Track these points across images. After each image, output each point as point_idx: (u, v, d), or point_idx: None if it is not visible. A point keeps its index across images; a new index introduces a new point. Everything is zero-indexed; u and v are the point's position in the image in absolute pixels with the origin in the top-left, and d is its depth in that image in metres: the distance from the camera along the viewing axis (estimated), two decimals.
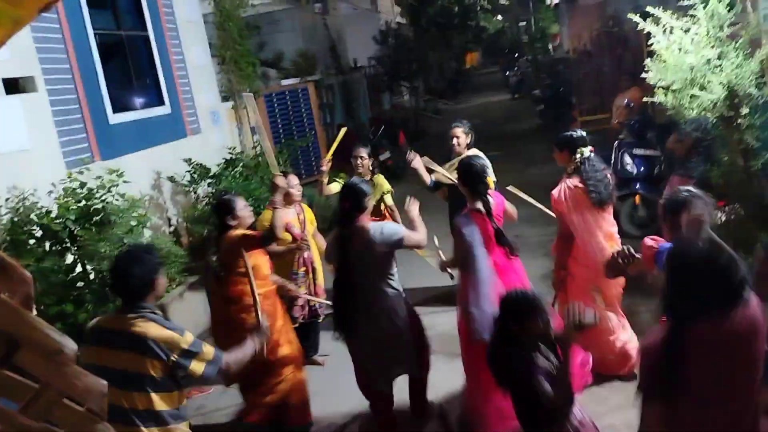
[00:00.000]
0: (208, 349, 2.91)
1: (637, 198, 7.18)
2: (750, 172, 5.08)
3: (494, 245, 4.05)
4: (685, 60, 4.77)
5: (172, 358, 2.78)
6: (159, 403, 2.80)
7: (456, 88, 34.11)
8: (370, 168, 6.06)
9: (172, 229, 7.31)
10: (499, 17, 46.22)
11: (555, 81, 17.65)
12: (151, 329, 2.79)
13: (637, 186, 7.15)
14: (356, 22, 21.83)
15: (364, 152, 6.11)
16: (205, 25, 9.30)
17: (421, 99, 24.65)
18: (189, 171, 7.32)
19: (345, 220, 4.01)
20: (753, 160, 5.01)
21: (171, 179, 7.23)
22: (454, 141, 5.82)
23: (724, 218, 5.52)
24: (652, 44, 4.96)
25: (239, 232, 4.19)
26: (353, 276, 3.90)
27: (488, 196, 4.14)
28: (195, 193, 7.43)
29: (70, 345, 1.31)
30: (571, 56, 14.33)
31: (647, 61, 5.07)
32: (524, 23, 35.56)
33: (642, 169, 7.22)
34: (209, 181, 7.35)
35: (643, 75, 5.15)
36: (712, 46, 4.73)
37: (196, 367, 2.85)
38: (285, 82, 12.95)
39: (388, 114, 19.75)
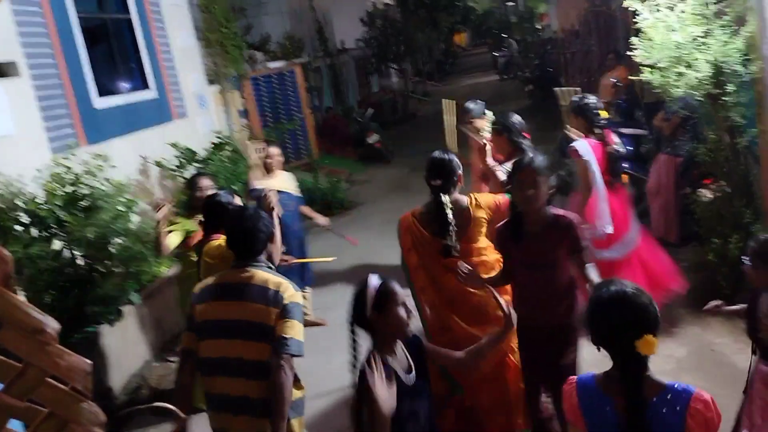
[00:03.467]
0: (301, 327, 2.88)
1: (625, 177, 7.19)
2: (736, 150, 5.11)
3: None
4: (672, 38, 4.77)
5: (284, 302, 2.82)
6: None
7: (445, 69, 33.97)
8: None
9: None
10: None
11: (543, 61, 17.62)
12: (273, 279, 2.89)
13: (626, 165, 7.15)
14: (343, 4, 21.66)
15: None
16: (190, 8, 9.21)
17: (409, 81, 24.54)
18: (176, 155, 7.28)
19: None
20: (739, 137, 5.04)
21: (158, 164, 7.19)
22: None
23: (711, 195, 5.56)
24: (638, 22, 4.96)
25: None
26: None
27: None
28: (183, 177, 7.39)
29: (52, 324, 1.31)
30: (559, 36, 14.30)
31: (634, 39, 5.07)
32: (512, 3, 35.36)
33: (629, 147, 7.23)
34: (197, 165, 7.31)
35: (630, 53, 5.15)
36: (698, 24, 4.73)
37: (297, 327, 2.81)
38: (272, 65, 12.85)
39: (377, 96, 19.67)
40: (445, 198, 3.58)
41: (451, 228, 3.52)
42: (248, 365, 2.81)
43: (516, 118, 4.67)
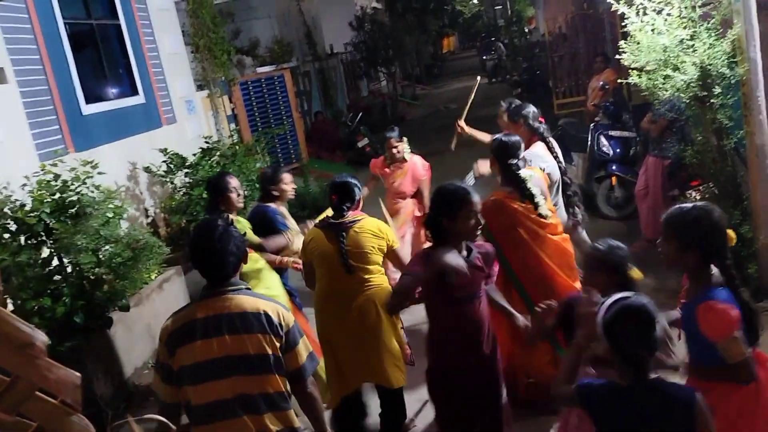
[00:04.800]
0: (306, 342, 2.70)
1: (614, 179, 7.24)
2: (723, 151, 5.14)
3: None
4: (659, 41, 4.79)
5: (285, 330, 2.57)
6: (282, 383, 2.60)
7: (433, 73, 34.04)
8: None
9: (149, 220, 7.26)
10: (475, 1, 46.13)
11: (532, 64, 17.69)
12: (261, 304, 2.58)
13: (614, 167, 7.21)
14: (332, 8, 21.66)
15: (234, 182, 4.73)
16: (177, 13, 9.20)
17: (398, 84, 24.57)
18: (165, 161, 7.26)
19: None
20: (726, 139, 5.07)
21: (147, 170, 7.16)
22: None
23: (698, 197, 5.60)
24: (625, 26, 4.99)
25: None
26: None
27: None
28: (172, 183, 7.37)
29: (40, 337, 1.30)
30: (547, 39, 14.37)
31: (621, 42, 5.09)
32: (500, 7, 35.52)
33: (618, 150, 7.28)
34: (186, 170, 7.29)
35: (618, 57, 5.18)
36: (685, 27, 4.76)
37: (302, 349, 2.63)
38: (261, 69, 12.85)
39: (366, 100, 19.69)
40: (525, 173, 3.95)
41: (539, 196, 3.89)
42: (256, 401, 2.54)
43: (530, 107, 4.92)
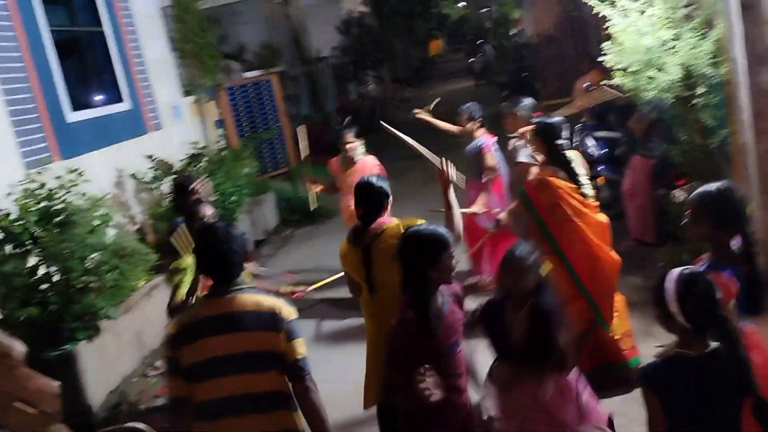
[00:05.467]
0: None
1: (601, 179, 7.27)
2: (708, 150, 5.18)
3: None
4: (642, 42, 4.83)
5: (286, 323, 2.59)
6: (286, 383, 2.64)
7: (421, 75, 34.06)
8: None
9: (137, 227, 7.22)
10: (462, 4, 46.24)
11: (518, 66, 17.74)
12: (264, 301, 2.64)
13: (601, 168, 7.24)
14: (319, 12, 21.67)
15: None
16: (163, 19, 9.16)
17: (387, 87, 24.59)
18: (151, 168, 7.23)
19: None
20: (710, 138, 5.11)
21: (133, 177, 7.13)
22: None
23: (684, 196, 5.63)
24: (608, 27, 5.02)
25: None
26: None
27: None
28: (159, 190, 7.34)
29: (18, 347, 1.29)
30: (534, 41, 14.43)
31: (605, 44, 5.13)
32: (487, 9, 35.62)
33: (604, 150, 7.31)
34: (173, 177, 7.26)
35: (602, 58, 5.21)
36: (668, 28, 4.80)
37: (301, 344, 2.63)
38: (248, 74, 12.80)
39: (355, 103, 19.67)
40: (569, 154, 4.11)
41: (582, 176, 4.09)
42: (261, 399, 2.59)
43: (528, 99, 5.20)
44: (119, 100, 7.61)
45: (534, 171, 4.40)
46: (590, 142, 7.37)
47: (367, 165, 5.80)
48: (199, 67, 9.23)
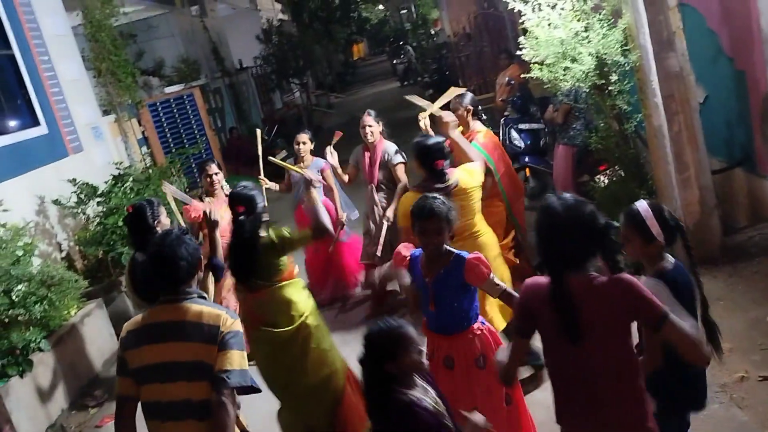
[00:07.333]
0: (244, 357, 2.64)
1: (527, 171, 7.45)
2: (625, 135, 5.40)
3: None
4: (555, 34, 4.99)
5: (222, 334, 2.56)
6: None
7: (345, 80, 34.15)
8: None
9: (63, 254, 6.97)
10: (381, 6, 46.57)
11: (440, 65, 18.00)
12: (206, 312, 2.62)
13: (526, 159, 7.41)
14: (237, 22, 21.41)
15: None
16: (75, 38, 8.89)
17: (312, 94, 24.52)
18: (75, 192, 6.99)
19: None
20: (626, 123, 5.32)
21: (56, 202, 6.88)
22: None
23: (607, 180, 5.84)
24: (523, 22, 5.16)
25: None
26: None
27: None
28: (84, 214, 7.10)
29: None
30: (453, 40, 14.67)
31: (521, 38, 5.27)
32: (405, 11, 35.99)
33: (528, 142, 7.49)
34: (98, 200, 7.04)
35: (519, 52, 5.35)
36: (579, 19, 4.97)
37: (236, 356, 2.57)
38: (169, 89, 12.55)
39: (281, 113, 19.54)
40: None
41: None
42: (197, 406, 2.57)
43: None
44: (36, 123, 7.34)
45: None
46: (514, 135, 7.54)
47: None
48: (117, 85, 8.99)
